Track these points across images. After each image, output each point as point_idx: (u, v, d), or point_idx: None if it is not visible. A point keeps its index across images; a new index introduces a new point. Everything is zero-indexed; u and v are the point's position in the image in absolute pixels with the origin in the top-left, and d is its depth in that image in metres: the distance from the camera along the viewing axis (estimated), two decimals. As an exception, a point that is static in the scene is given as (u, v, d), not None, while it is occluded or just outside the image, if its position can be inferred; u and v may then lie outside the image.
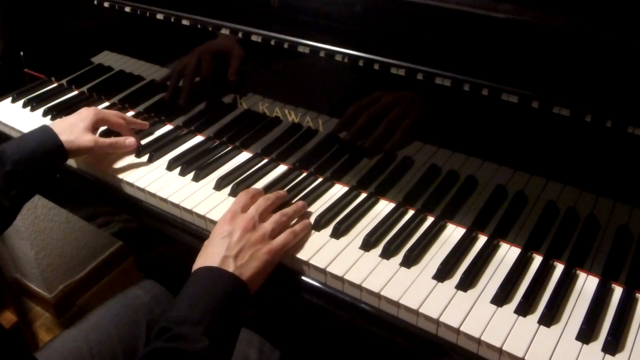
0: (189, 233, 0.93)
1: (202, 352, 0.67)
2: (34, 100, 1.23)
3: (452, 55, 0.81)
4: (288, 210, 0.87)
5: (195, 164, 1.03)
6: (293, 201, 0.92)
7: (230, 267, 0.76)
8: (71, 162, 1.07)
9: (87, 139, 0.99)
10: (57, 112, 1.19)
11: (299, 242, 0.84)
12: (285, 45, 0.91)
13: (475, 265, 0.80)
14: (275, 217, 0.85)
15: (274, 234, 0.82)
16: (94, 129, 1.03)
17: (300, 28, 0.90)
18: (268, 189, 0.96)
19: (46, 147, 0.95)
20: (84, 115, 1.02)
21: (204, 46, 1.02)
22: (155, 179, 1.00)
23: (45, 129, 0.98)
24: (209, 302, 0.71)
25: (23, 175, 0.92)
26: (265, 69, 0.99)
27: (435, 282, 0.78)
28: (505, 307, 0.75)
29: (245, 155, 1.06)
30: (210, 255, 0.77)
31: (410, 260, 0.81)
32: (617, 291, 0.78)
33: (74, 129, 0.99)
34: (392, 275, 0.79)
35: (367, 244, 0.84)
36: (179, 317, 0.70)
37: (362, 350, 0.81)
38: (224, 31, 0.97)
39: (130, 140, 1.05)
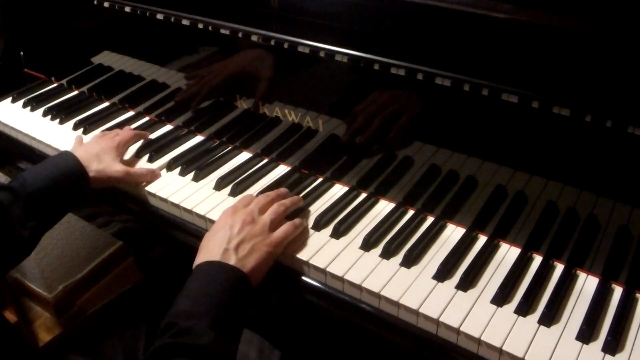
0: (188, 233, 0.93)
1: (208, 346, 0.67)
2: (34, 100, 1.23)
3: (452, 55, 0.81)
4: (285, 201, 0.88)
5: (195, 164, 1.02)
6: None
7: (232, 260, 0.76)
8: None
9: (118, 169, 0.96)
10: (57, 112, 1.19)
11: (299, 242, 0.84)
12: (285, 45, 0.91)
13: (475, 265, 0.80)
14: (273, 208, 0.85)
15: (273, 225, 0.83)
16: (120, 158, 1.00)
17: (300, 28, 0.90)
18: (268, 189, 0.95)
19: (69, 176, 0.91)
20: (109, 145, 0.99)
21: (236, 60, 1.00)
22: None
23: (67, 157, 0.93)
24: (212, 296, 0.72)
25: (44, 205, 0.87)
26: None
27: (435, 282, 0.78)
28: (505, 307, 0.75)
29: (245, 155, 1.06)
30: (211, 249, 0.78)
31: (410, 260, 0.81)
32: (617, 291, 0.77)
33: (102, 158, 0.96)
34: (392, 275, 0.79)
35: (367, 244, 0.84)
36: (184, 311, 0.70)
37: (362, 350, 0.81)
38: (224, 31, 0.97)
39: (156, 173, 1.00)
